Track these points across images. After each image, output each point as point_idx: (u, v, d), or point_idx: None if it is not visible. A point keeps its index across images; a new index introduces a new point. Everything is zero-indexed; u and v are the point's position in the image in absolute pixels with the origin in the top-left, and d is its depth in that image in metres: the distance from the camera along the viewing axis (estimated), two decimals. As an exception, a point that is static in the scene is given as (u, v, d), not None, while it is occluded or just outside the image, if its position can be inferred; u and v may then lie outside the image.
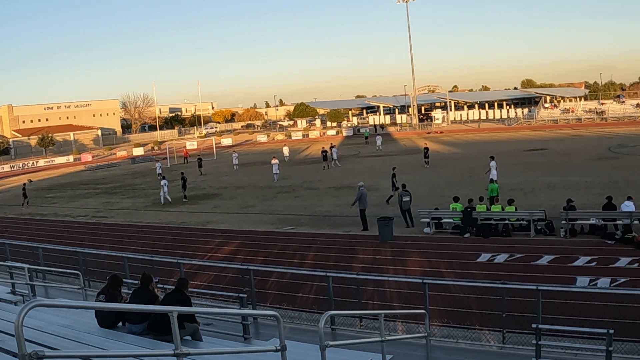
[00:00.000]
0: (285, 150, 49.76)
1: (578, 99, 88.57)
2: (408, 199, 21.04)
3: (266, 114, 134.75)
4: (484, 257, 16.15)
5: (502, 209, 19.09)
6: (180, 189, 32.03)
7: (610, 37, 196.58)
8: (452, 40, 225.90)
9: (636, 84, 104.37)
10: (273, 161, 37.39)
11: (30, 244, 17.38)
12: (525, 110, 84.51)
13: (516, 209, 18.97)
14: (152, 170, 42.08)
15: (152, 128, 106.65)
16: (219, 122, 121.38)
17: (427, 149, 39.14)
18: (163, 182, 31.42)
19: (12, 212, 33.84)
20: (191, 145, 73.77)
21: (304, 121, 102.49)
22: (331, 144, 48.67)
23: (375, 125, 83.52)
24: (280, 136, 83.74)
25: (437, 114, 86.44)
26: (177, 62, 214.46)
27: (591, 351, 8.29)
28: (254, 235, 21.73)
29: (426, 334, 8.87)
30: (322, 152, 42.92)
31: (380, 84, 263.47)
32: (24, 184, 38.11)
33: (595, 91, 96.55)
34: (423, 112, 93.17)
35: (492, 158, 27.34)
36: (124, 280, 10.03)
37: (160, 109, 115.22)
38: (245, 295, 10.48)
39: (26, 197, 35.53)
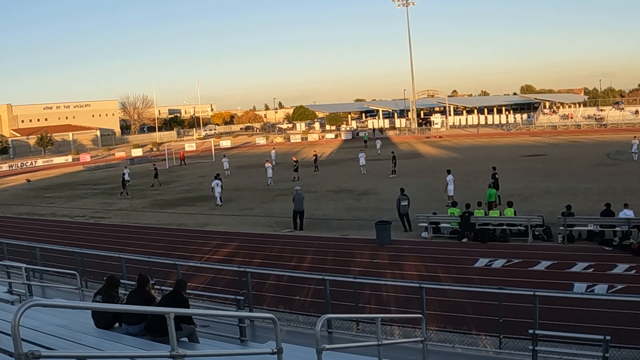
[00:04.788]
0: (273, 154, 49.42)
1: (577, 105, 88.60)
2: (406, 203, 21.06)
3: (265, 117, 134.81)
4: (482, 262, 16.16)
5: (500, 214, 19.12)
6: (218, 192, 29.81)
7: (610, 43, 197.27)
8: (451, 44, 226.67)
9: (635, 91, 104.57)
10: (266, 164, 37.16)
11: (28, 244, 17.31)
12: (525, 115, 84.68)
13: (515, 212, 18.99)
14: (151, 171, 41.83)
15: (151, 129, 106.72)
16: (218, 124, 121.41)
17: (395, 156, 36.53)
18: (215, 182, 29.58)
19: (10, 212, 33.79)
20: (190, 147, 73.78)
21: (303, 124, 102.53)
22: (314, 150, 48.34)
23: (374, 129, 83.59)
24: (279, 139, 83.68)
25: (436, 118, 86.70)
26: (176, 64, 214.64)
27: (588, 357, 8.29)
28: (252, 237, 21.72)
29: (423, 339, 8.86)
30: (292, 161, 39.98)
31: (379, 88, 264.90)
32: (123, 174, 37.39)
33: (594, 97, 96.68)
34: (422, 116, 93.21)
35: (449, 172, 25.25)
36: (121, 281, 10.01)
37: (159, 110, 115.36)
38: (243, 298, 10.47)
39: (125, 187, 35.54)
